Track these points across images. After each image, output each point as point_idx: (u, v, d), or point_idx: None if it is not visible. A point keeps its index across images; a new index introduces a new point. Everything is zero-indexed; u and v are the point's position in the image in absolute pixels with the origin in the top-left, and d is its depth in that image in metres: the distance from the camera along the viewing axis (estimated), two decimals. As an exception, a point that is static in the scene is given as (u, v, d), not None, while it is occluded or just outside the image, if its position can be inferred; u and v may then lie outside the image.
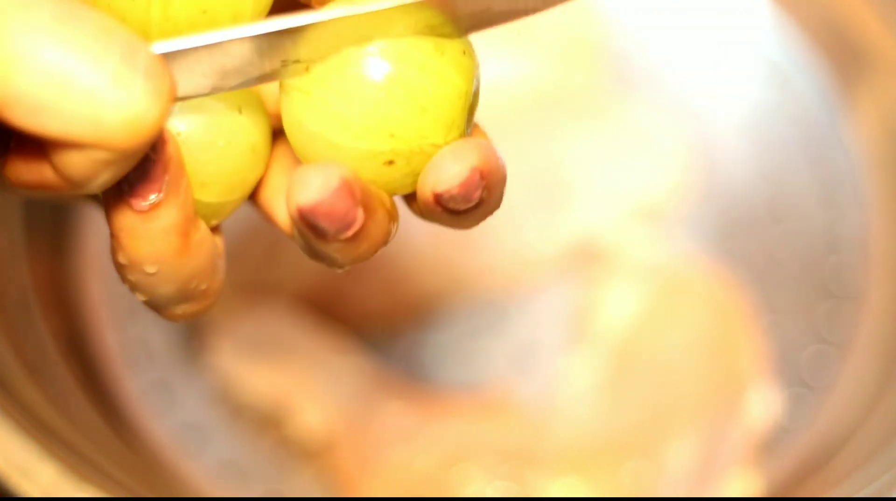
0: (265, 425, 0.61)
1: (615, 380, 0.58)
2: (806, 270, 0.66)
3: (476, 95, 0.36)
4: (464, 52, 0.36)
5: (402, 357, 0.63)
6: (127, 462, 0.57)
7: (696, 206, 0.67)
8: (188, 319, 0.37)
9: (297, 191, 0.33)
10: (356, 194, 0.33)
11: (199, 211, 0.35)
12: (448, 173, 0.34)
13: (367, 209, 0.34)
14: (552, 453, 0.56)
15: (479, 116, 0.37)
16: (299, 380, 0.59)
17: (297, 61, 0.34)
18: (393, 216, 0.36)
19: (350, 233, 0.34)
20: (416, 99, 0.35)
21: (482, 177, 0.34)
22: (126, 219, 0.34)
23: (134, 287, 0.36)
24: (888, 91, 0.68)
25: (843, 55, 0.71)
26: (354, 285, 0.62)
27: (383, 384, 0.58)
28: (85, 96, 0.29)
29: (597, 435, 0.56)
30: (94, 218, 0.66)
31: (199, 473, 0.60)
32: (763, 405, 0.59)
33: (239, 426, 0.61)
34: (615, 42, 0.72)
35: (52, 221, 0.64)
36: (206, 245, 0.35)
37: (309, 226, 0.33)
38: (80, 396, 0.58)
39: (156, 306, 0.37)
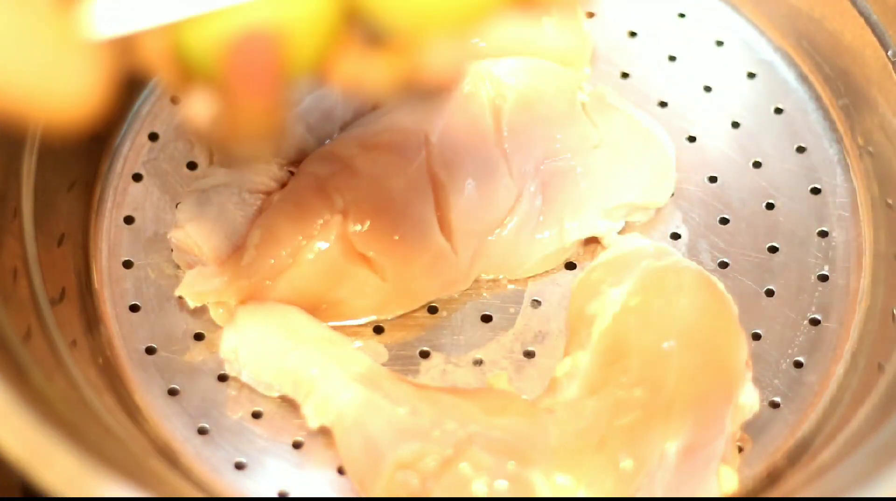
0: (270, 423, 0.61)
1: (609, 378, 0.58)
2: (797, 262, 0.67)
3: None
4: None
5: (404, 356, 0.63)
6: (138, 457, 0.57)
7: (691, 202, 0.68)
8: (250, 162, 0.47)
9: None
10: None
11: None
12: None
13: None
14: (551, 451, 0.56)
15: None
16: (302, 379, 0.59)
17: None
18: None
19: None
20: None
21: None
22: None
23: (224, 125, 0.44)
24: (876, 86, 0.69)
25: (830, 49, 0.71)
26: (357, 279, 0.62)
27: (385, 383, 0.58)
28: None
29: (593, 434, 0.57)
30: (103, 217, 0.66)
31: (207, 471, 0.60)
32: (754, 401, 0.60)
33: (244, 425, 0.61)
34: (613, 42, 0.73)
35: (64, 219, 0.65)
36: (282, 93, 0.43)
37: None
38: (92, 393, 0.59)
39: (231, 145, 0.44)
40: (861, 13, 0.69)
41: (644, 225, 0.67)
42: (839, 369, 0.64)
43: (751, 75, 0.73)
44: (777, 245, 0.67)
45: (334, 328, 0.62)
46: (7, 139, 0.62)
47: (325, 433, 0.59)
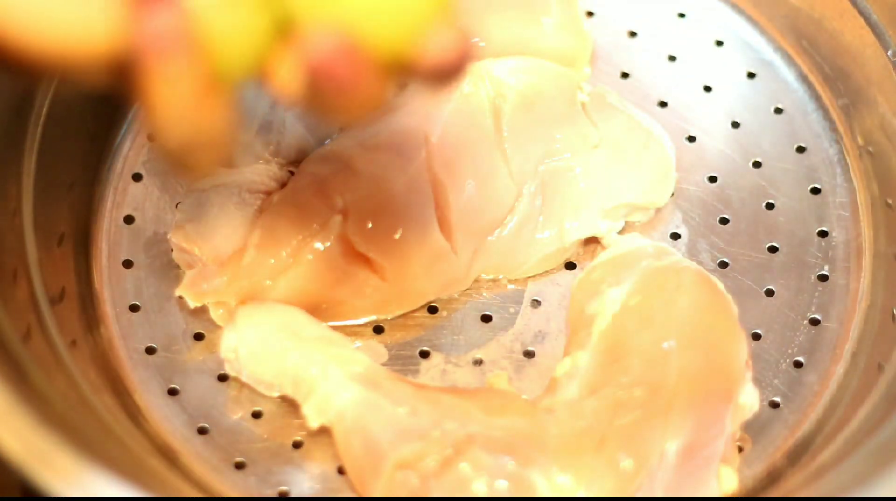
0: (270, 423, 0.61)
1: (609, 378, 0.58)
2: (797, 262, 0.67)
3: None
4: None
5: (404, 356, 0.63)
6: (138, 456, 0.57)
7: (691, 202, 0.68)
8: (197, 172, 0.48)
9: (311, 47, 0.43)
10: (356, 54, 0.43)
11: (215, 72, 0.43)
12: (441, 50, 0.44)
13: (362, 68, 0.43)
14: (551, 451, 0.56)
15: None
16: (302, 379, 0.59)
17: None
18: (382, 80, 0.44)
19: (349, 87, 0.43)
20: None
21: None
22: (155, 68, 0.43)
23: (160, 133, 0.44)
24: (876, 86, 0.69)
25: (830, 49, 0.71)
26: (357, 279, 0.62)
27: (384, 383, 0.59)
28: None
29: (593, 434, 0.57)
30: (103, 217, 0.66)
31: (206, 471, 0.60)
32: (754, 401, 0.60)
33: (244, 425, 0.61)
34: (613, 42, 0.73)
35: (64, 219, 0.65)
36: (219, 100, 0.44)
37: (319, 78, 0.43)
38: (92, 393, 0.59)
39: (174, 153, 0.45)
40: (861, 13, 0.69)
41: (644, 225, 0.67)
42: (839, 369, 0.64)
43: (751, 75, 0.73)
44: (777, 245, 0.67)
45: (334, 327, 0.62)
46: (9, 138, 0.62)
47: (325, 433, 0.59)
